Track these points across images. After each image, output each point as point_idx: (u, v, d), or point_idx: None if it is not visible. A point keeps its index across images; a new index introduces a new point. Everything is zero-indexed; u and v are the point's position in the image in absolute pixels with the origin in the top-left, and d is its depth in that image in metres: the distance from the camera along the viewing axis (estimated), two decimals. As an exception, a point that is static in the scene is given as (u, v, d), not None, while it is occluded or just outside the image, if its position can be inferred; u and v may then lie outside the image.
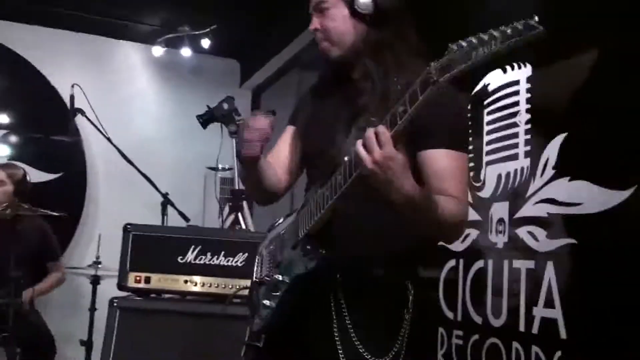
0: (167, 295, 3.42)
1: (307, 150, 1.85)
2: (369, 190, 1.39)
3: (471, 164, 2.76)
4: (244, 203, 4.02)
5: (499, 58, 1.15)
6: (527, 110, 2.50)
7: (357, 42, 1.68)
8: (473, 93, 2.78)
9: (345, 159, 1.43)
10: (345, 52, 1.69)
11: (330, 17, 1.69)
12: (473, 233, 2.74)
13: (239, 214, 3.96)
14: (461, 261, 2.79)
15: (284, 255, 1.71)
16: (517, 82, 2.55)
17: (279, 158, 1.91)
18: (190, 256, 3.39)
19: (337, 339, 1.59)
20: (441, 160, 1.57)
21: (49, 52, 5.09)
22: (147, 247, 3.41)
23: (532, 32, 1.12)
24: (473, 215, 2.73)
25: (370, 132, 1.33)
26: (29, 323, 3.83)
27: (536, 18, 1.12)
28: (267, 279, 1.75)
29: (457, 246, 2.80)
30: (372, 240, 1.62)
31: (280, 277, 1.69)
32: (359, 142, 1.35)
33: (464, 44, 1.18)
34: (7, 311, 3.33)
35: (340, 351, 1.58)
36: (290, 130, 1.93)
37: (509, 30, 1.13)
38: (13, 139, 4.98)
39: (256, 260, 1.89)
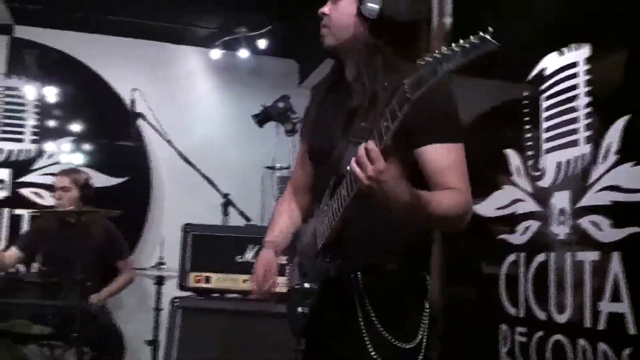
0: (229, 295, 3.46)
1: (311, 151, 1.93)
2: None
3: (529, 153, 2.65)
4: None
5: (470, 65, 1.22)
6: (587, 94, 2.37)
7: (353, 39, 1.73)
8: (528, 79, 2.68)
9: (348, 168, 1.49)
10: (340, 45, 1.76)
11: (338, 8, 1.75)
12: (534, 225, 2.63)
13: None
14: (522, 255, 2.68)
15: (309, 265, 1.82)
16: (574, 65, 2.42)
17: (298, 182, 2.03)
18: (248, 255, 3.41)
19: (363, 330, 1.66)
20: (437, 155, 1.62)
21: (111, 59, 5.19)
22: (207, 247, 3.45)
23: (488, 46, 1.18)
24: (533, 206, 2.62)
25: (361, 150, 1.41)
26: (98, 323, 3.93)
27: (491, 30, 1.18)
28: (298, 287, 1.85)
29: (518, 239, 2.69)
30: (381, 239, 1.70)
31: (308, 286, 1.80)
32: (353, 160, 1.43)
33: (429, 59, 1.25)
34: (75, 312, 3.42)
35: (366, 340, 1.65)
36: (302, 148, 2.01)
37: (467, 45, 1.20)
38: (80, 145, 5.11)
39: (287, 269, 1.99)
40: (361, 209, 1.57)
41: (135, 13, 4.94)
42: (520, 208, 2.70)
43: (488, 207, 2.84)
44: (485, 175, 2.86)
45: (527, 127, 2.67)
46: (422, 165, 1.62)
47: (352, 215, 1.60)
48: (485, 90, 3.11)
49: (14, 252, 4.28)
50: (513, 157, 2.78)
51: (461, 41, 1.21)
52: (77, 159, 5.05)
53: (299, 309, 1.82)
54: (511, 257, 2.74)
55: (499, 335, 2.76)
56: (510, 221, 2.73)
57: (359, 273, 1.70)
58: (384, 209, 1.49)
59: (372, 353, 1.64)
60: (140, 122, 4.43)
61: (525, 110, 2.68)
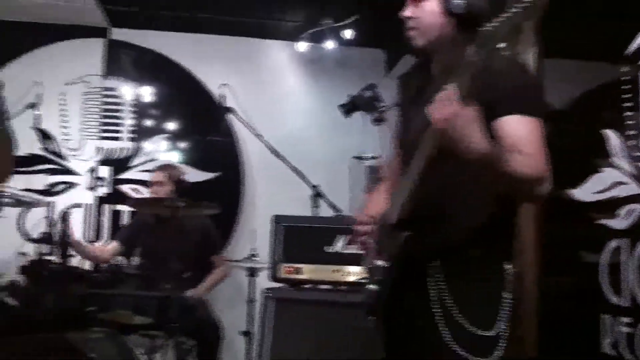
0: (320, 285, 3.46)
1: (400, 147, 1.96)
2: (446, 157, 1.53)
3: (630, 132, 2.50)
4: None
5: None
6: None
7: (441, 37, 1.78)
8: (627, 53, 2.52)
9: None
10: (429, 44, 1.81)
11: (423, 9, 1.81)
12: (637, 208, 2.49)
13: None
14: (625, 240, 2.54)
15: (384, 242, 1.82)
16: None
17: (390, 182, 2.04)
18: (338, 245, 3.39)
19: (438, 314, 1.66)
20: (514, 126, 1.62)
21: (201, 57, 5.32)
22: (297, 238, 3.46)
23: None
24: (636, 188, 2.47)
25: (440, 95, 1.50)
26: (196, 314, 4.03)
27: None
28: (371, 265, 1.87)
29: (620, 223, 2.55)
30: (462, 223, 1.69)
31: (381, 263, 1.81)
32: (431, 105, 1.51)
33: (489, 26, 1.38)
34: (171, 303, 3.52)
35: (441, 324, 1.65)
36: (395, 150, 2.03)
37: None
38: (175, 142, 5.26)
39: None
40: (439, 185, 1.62)
41: (223, 10, 5.01)
42: (621, 191, 2.55)
43: (586, 192, 2.71)
44: (582, 158, 2.73)
45: (627, 104, 2.52)
46: (499, 138, 1.62)
47: (432, 194, 1.63)
48: (581, 70, 2.97)
49: (113, 245, 4.47)
50: (613, 138, 2.63)
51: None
52: (172, 155, 5.20)
53: (371, 286, 1.85)
54: (613, 243, 2.60)
55: (600, 326, 2.63)
56: (611, 205, 2.59)
57: (436, 256, 1.70)
58: (463, 184, 1.56)
59: (447, 338, 1.63)
60: (230, 117, 4.51)
61: (624, 87, 2.53)
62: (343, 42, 5.16)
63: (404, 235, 1.71)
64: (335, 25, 5.02)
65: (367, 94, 3.89)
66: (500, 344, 1.63)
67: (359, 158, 4.63)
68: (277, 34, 5.37)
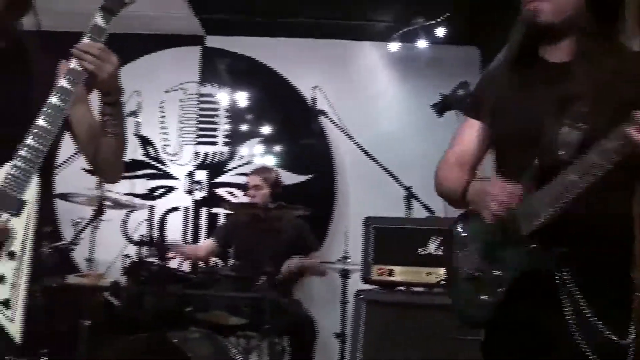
0: (413, 287, 3.40)
1: (503, 134, 1.76)
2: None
3: None
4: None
5: None
6: None
7: (572, 17, 1.62)
8: None
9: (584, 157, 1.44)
10: (558, 23, 1.62)
11: None
12: None
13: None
14: None
15: (503, 252, 1.68)
16: None
17: (464, 158, 1.87)
18: (430, 247, 3.32)
19: (572, 324, 1.55)
20: None
21: (293, 61, 5.37)
22: (389, 240, 3.41)
23: None
24: None
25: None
26: (290, 315, 4.05)
27: None
28: (481, 274, 1.73)
29: None
30: (596, 232, 1.57)
31: (499, 273, 1.67)
32: (630, 129, 1.34)
33: None
34: (266, 304, 3.55)
35: (577, 335, 1.55)
36: (473, 126, 1.86)
37: None
38: (269, 145, 5.32)
39: (455, 254, 1.85)
40: (584, 198, 1.49)
41: (315, 13, 5.04)
42: None
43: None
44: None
45: None
46: None
47: (572, 204, 1.50)
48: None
49: (209, 242, 4.58)
50: None
51: None
52: (266, 159, 5.27)
53: (483, 297, 1.71)
54: None
55: None
56: None
57: (570, 266, 1.58)
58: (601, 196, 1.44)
59: (584, 348, 1.53)
60: (322, 119, 4.52)
61: None
62: (435, 41, 5.07)
63: (532, 246, 1.59)
64: (427, 23, 4.95)
65: (460, 92, 3.80)
66: (631, 352, 1.55)
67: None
68: (369, 35, 5.35)
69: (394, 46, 5.18)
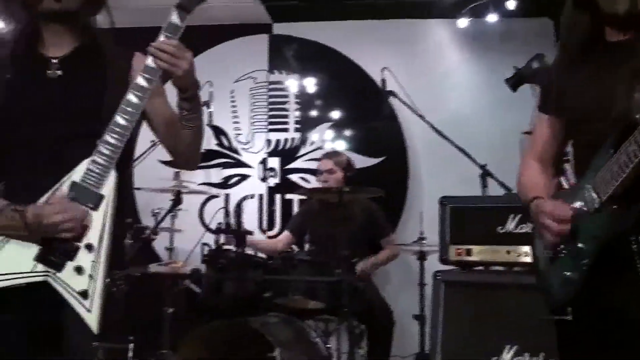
0: (493, 267, 3.33)
1: (578, 117, 1.77)
2: None
3: None
4: (566, 165, 3.71)
5: None
6: None
7: None
8: None
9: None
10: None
11: None
12: None
13: (561, 178, 3.65)
14: None
15: (580, 224, 1.66)
16: None
17: (543, 156, 1.93)
18: (510, 225, 3.24)
19: None
20: None
21: (361, 43, 5.32)
22: (465, 219, 3.35)
23: None
24: None
25: None
26: (367, 299, 4.04)
27: None
28: (564, 249, 1.71)
29: None
30: None
31: (582, 245, 1.65)
32: None
33: None
34: (343, 288, 3.55)
35: None
36: (547, 121, 1.89)
37: None
38: (339, 129, 5.30)
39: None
40: None
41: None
42: None
43: None
44: None
45: None
46: None
47: None
48: None
49: (286, 235, 4.62)
50: None
51: None
52: (337, 143, 5.25)
53: (567, 273, 1.69)
54: None
55: None
56: None
57: None
58: None
59: None
60: (392, 100, 4.47)
61: None
62: (506, 14, 4.91)
63: (612, 207, 1.58)
64: (498, -4, 4.79)
65: (535, 65, 3.67)
66: None
67: (530, 133, 4.38)
68: (436, 12, 5.21)
69: (463, 22, 5.05)
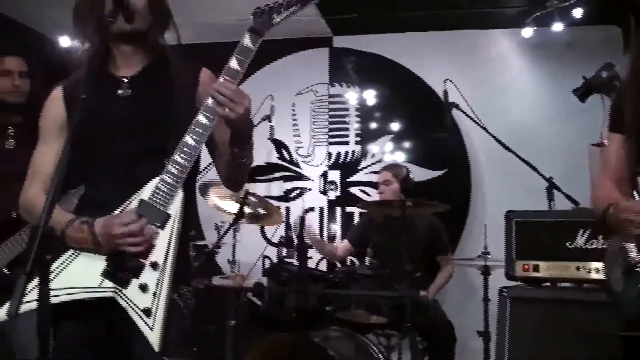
0: (560, 284, 3.23)
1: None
2: None
3: None
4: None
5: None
6: None
7: None
8: None
9: None
10: None
11: None
12: None
13: (634, 192, 3.52)
14: None
15: None
16: None
17: (617, 176, 1.92)
18: (579, 241, 3.14)
19: None
20: None
21: (421, 54, 5.28)
22: (532, 234, 3.26)
23: None
24: None
25: None
26: (429, 314, 3.99)
27: None
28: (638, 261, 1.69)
29: None
30: None
31: None
32: None
33: None
34: (406, 303, 3.51)
35: None
36: (619, 141, 1.89)
37: None
38: (400, 142, 5.27)
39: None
40: None
41: (441, 5, 4.92)
42: None
43: None
44: None
45: None
46: None
47: None
48: None
49: (345, 244, 4.62)
50: None
51: None
52: (398, 156, 5.22)
53: None
54: None
55: None
56: None
57: None
58: None
59: None
60: (454, 112, 4.40)
61: None
62: (572, 22, 4.78)
63: None
64: (563, 5, 4.67)
65: (604, 74, 3.55)
66: None
67: (599, 145, 4.25)
68: (499, 22, 5.14)
69: (527, 31, 4.95)
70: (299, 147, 5.45)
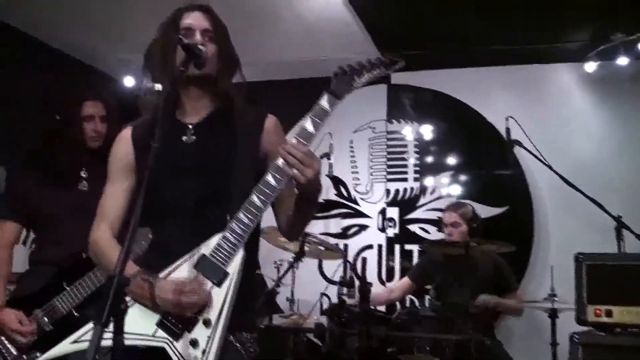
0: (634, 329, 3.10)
1: None
2: None
3: None
4: None
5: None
6: None
7: None
8: None
9: None
10: None
11: None
12: None
13: None
14: None
15: None
16: None
17: None
18: (655, 285, 3.01)
19: None
20: None
21: (479, 90, 5.22)
22: (604, 277, 3.16)
23: None
24: None
25: None
26: (493, 355, 3.88)
27: None
28: None
29: None
30: None
31: None
32: None
33: None
34: (470, 346, 3.42)
35: None
36: None
37: None
38: (459, 178, 5.20)
39: None
40: None
41: (500, 40, 4.87)
42: None
43: None
44: None
45: None
46: None
47: None
48: None
49: (403, 282, 4.56)
50: None
51: None
52: (457, 192, 5.15)
53: None
54: None
55: None
56: None
57: None
58: None
59: None
60: (517, 148, 4.32)
61: None
62: (638, 56, 4.68)
63: None
64: (628, 38, 4.57)
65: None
66: None
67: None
68: (561, 56, 5.06)
69: (591, 66, 4.85)
70: (357, 184, 5.44)
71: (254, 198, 1.75)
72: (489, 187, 5.09)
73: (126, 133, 1.98)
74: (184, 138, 1.90)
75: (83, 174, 2.85)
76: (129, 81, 5.14)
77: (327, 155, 4.59)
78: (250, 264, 1.84)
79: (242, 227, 1.74)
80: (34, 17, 4.36)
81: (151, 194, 1.73)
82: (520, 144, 4.22)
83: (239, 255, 1.74)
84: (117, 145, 2.00)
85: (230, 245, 1.74)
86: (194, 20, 1.94)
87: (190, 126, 1.92)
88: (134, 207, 1.56)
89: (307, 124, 1.77)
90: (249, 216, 1.75)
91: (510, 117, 4.22)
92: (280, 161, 1.75)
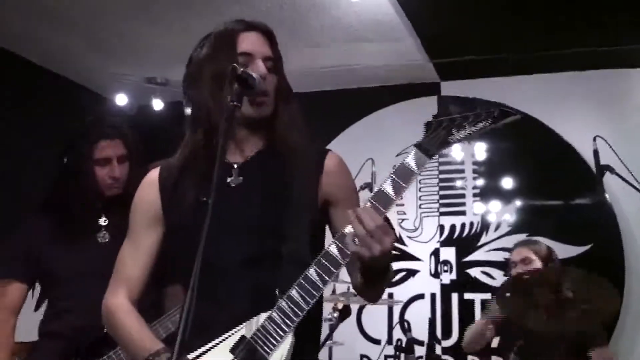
0: None
1: None
2: None
3: None
4: None
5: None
6: None
7: None
8: None
9: None
10: None
11: None
12: None
13: None
14: None
15: None
16: None
17: None
18: None
19: None
20: None
21: (552, 101, 4.95)
22: None
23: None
24: None
25: None
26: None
27: None
28: None
29: None
30: None
31: None
32: None
33: None
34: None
35: None
36: None
37: None
38: (530, 209, 4.91)
39: None
40: None
41: (570, 43, 4.54)
42: None
43: None
44: None
45: None
46: None
47: None
48: None
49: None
50: None
51: None
52: (529, 228, 4.85)
53: None
54: None
55: None
56: None
57: None
58: None
59: None
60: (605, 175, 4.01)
61: None
62: None
63: None
64: None
65: None
66: None
67: None
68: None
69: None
70: (404, 219, 5.20)
71: (312, 273, 1.62)
72: (568, 221, 4.80)
73: (152, 178, 1.92)
74: (229, 179, 1.83)
75: (102, 222, 2.72)
76: (121, 99, 5.06)
77: (369, 186, 4.38)
78: (305, 352, 1.71)
79: (294, 307, 1.62)
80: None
81: (186, 249, 1.60)
82: (612, 169, 3.90)
83: (287, 343, 1.62)
84: (141, 192, 1.94)
85: (276, 328, 1.63)
86: (254, 45, 1.85)
87: (236, 165, 1.85)
88: (161, 270, 1.61)
89: (387, 186, 1.63)
90: (304, 296, 1.61)
91: (599, 136, 3.93)
92: (348, 228, 1.60)
